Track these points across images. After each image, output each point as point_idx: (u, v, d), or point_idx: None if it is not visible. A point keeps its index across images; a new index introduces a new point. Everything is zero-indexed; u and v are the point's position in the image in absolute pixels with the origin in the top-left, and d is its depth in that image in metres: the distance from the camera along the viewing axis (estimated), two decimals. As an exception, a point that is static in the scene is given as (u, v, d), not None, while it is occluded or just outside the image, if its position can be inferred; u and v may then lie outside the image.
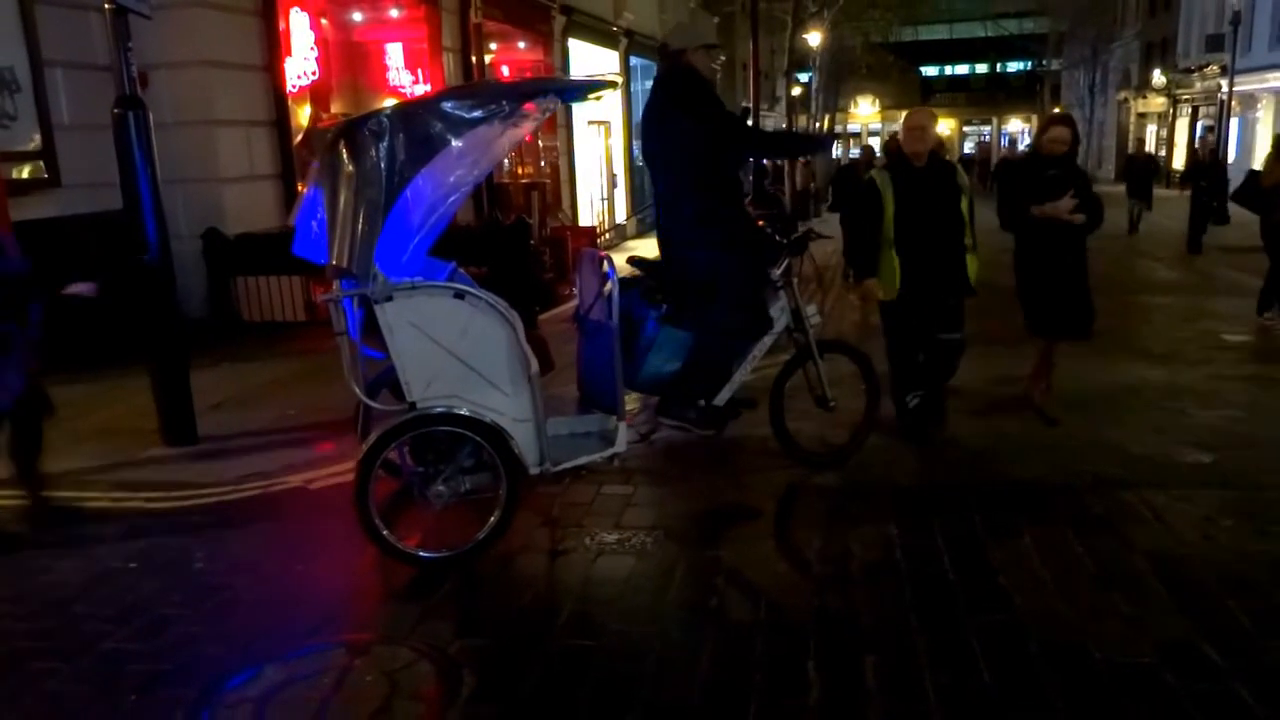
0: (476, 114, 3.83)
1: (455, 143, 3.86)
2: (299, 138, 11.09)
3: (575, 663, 3.29)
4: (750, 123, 18.08)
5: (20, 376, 4.46)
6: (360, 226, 3.72)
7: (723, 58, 5.46)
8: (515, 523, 4.20)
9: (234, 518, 4.75)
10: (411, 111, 3.92)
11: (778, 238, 4.89)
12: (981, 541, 4.18)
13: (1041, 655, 3.25)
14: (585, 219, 18.28)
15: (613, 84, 5.10)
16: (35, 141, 8.85)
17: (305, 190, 4.43)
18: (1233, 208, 15.06)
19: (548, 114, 4.29)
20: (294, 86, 11.17)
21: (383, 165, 3.74)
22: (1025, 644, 3.33)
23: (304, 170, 6.92)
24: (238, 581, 4.01)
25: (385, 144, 3.73)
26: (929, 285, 5.32)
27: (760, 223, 4.97)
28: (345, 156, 3.77)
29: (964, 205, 5.34)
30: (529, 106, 4.06)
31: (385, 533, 4.02)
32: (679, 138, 4.49)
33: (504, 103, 3.91)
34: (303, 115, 11.86)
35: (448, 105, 3.83)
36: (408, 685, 3.18)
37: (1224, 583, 3.73)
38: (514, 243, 9.36)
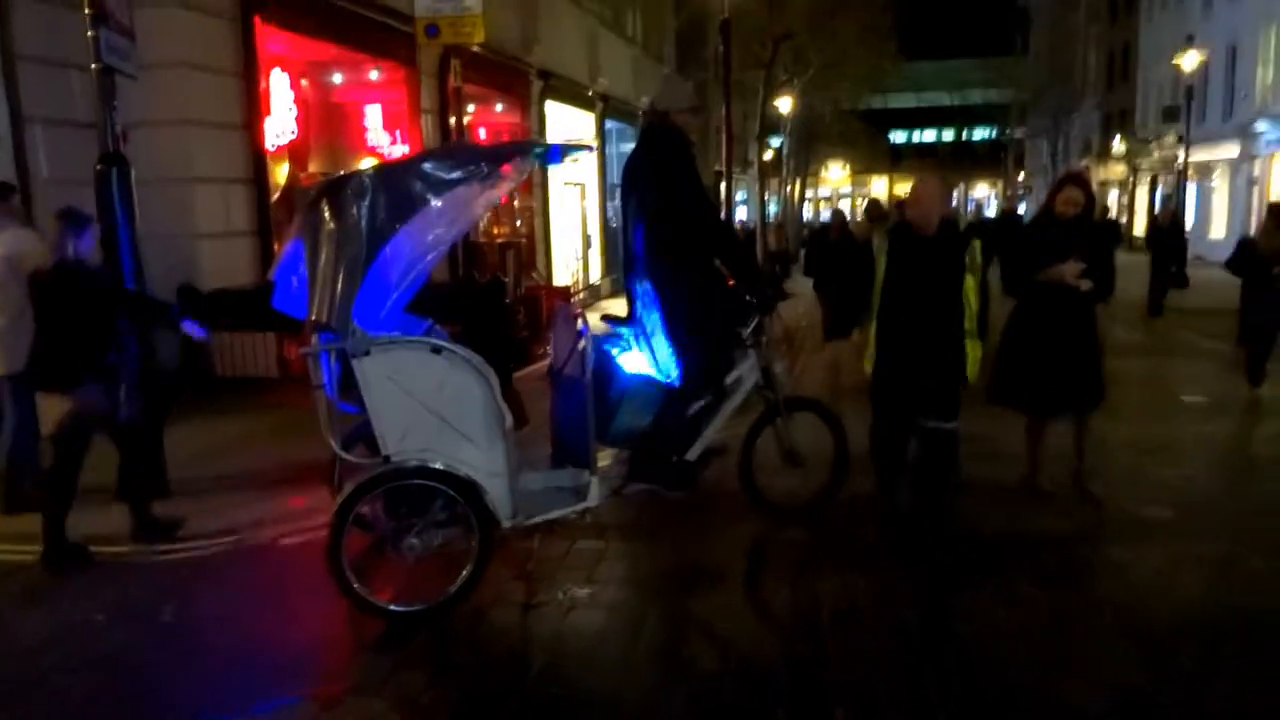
0: (455, 175, 3.96)
1: (434, 202, 3.98)
2: (276, 195, 11.33)
3: (548, 713, 3.33)
4: (725, 188, 18.52)
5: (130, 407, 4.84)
6: (340, 282, 3.82)
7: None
8: (488, 576, 4.24)
9: (205, 572, 4.75)
10: (392, 171, 4.05)
11: (747, 297, 5.03)
12: (943, 592, 4.27)
13: (1000, 701, 3.33)
14: (560, 279, 18.48)
15: (587, 148, 5.27)
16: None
17: (285, 246, 4.53)
18: (1193, 272, 15.48)
19: (524, 175, 4.44)
20: (273, 145, 11.32)
21: (364, 223, 3.84)
22: (985, 691, 3.41)
23: (280, 228, 7.07)
24: (208, 634, 4.01)
25: (366, 202, 3.84)
26: (906, 367, 4.85)
27: (730, 282, 5.12)
28: (327, 214, 3.88)
29: (969, 286, 4.80)
30: (506, 168, 4.20)
31: (357, 586, 4.04)
32: (651, 196, 4.65)
33: (482, 164, 4.05)
34: (281, 174, 12.02)
35: (428, 166, 3.96)
36: (379, 736, 3.20)
37: (1178, 634, 3.84)
38: (489, 301, 9.48)
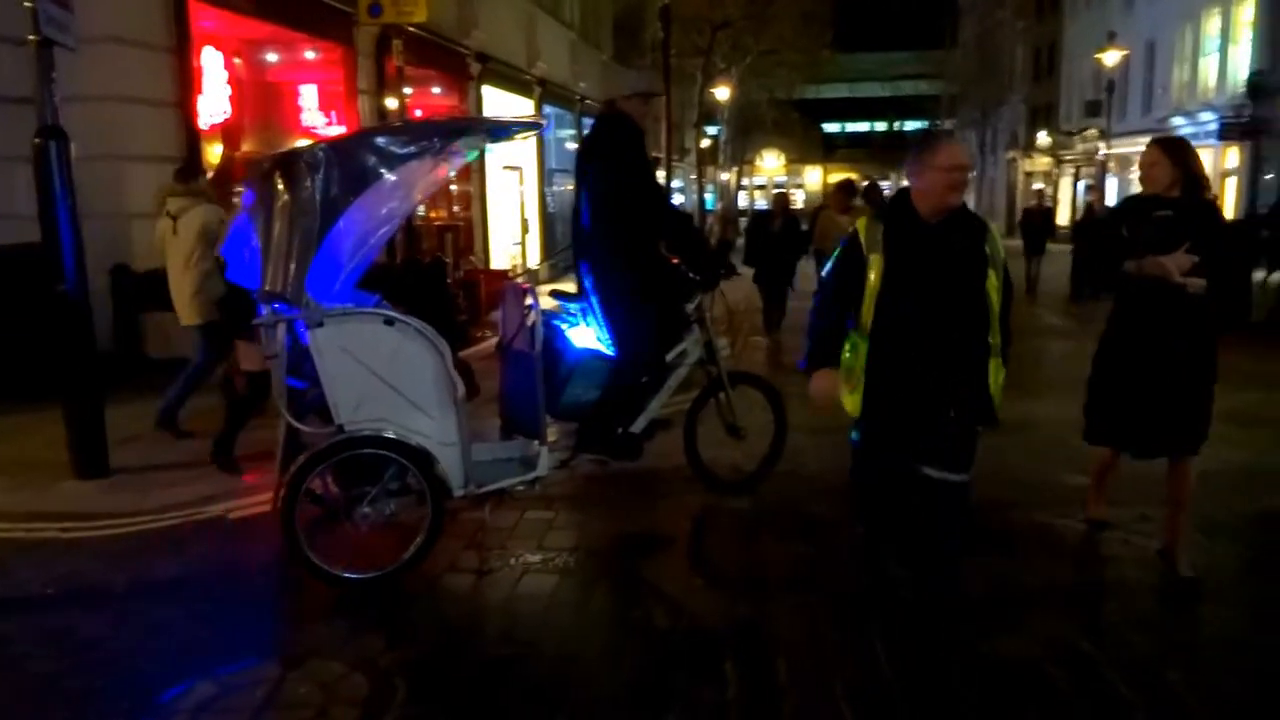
0: (409, 149, 4.03)
1: (388, 176, 4.04)
2: (210, 175, 11.13)
3: (505, 669, 3.44)
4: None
5: None
6: (294, 254, 3.86)
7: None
8: (441, 546, 4.33)
9: (155, 546, 4.75)
10: (346, 145, 4.10)
11: (691, 275, 5.17)
12: (884, 558, 4.46)
13: (942, 657, 3.53)
14: (498, 262, 18.44)
15: (540, 124, 5.36)
16: (-64, 173, 8.64)
17: (231, 221, 4.54)
18: None
19: (477, 152, 4.51)
20: (206, 124, 11.13)
21: (318, 195, 3.89)
22: (926, 647, 3.60)
23: (224, 204, 6.99)
24: (163, 605, 4.03)
25: (320, 175, 3.89)
26: (915, 401, 3.66)
27: (674, 260, 5.25)
28: (281, 186, 3.91)
29: (992, 285, 3.61)
30: (458, 144, 4.27)
31: (310, 554, 4.09)
32: (600, 180, 4.78)
33: (435, 140, 4.12)
34: (214, 153, 11.82)
35: (381, 140, 4.03)
36: (342, 694, 3.28)
37: (1098, 588, 4.10)
38: (431, 282, 9.48)
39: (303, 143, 13.77)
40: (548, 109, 21.56)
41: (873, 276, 3.61)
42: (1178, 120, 27.01)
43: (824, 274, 3.88)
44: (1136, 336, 4.09)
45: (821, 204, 14.93)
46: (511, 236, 20.27)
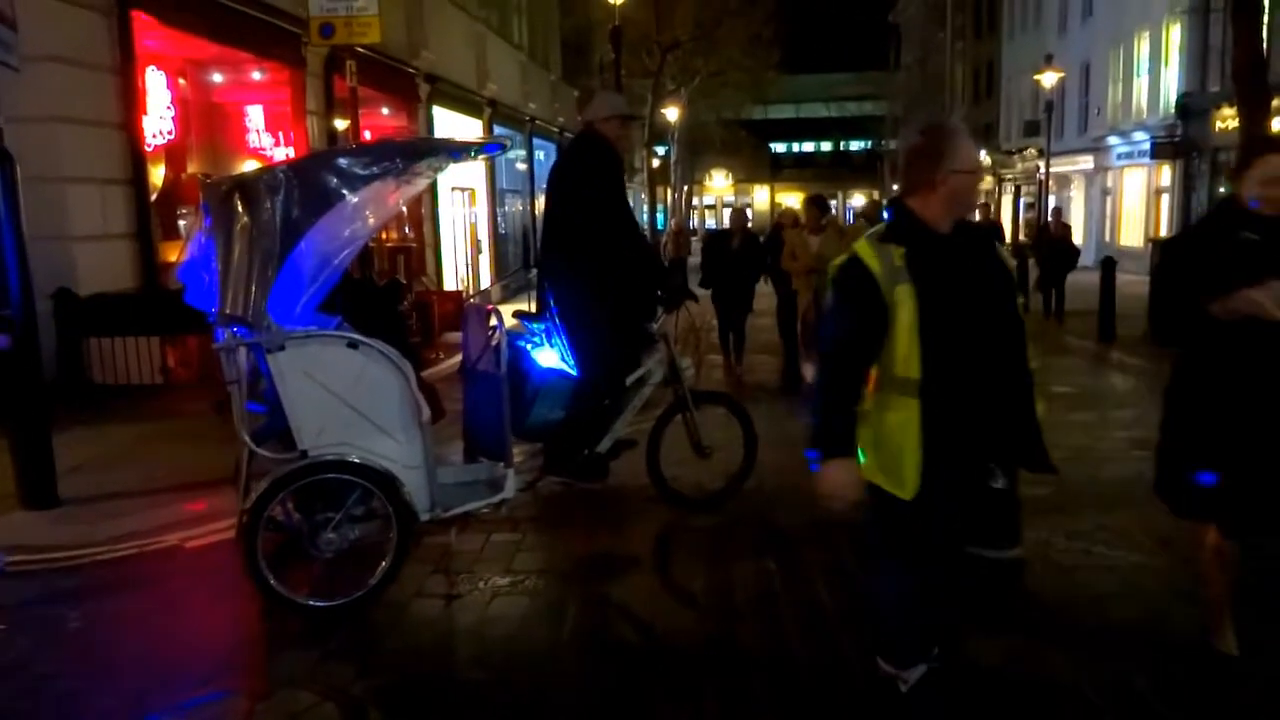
0: (371, 170, 4.00)
1: (350, 197, 4.00)
2: (154, 197, 10.93)
3: (479, 694, 3.40)
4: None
5: None
6: (254, 277, 3.80)
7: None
8: (408, 571, 4.27)
9: (109, 578, 4.62)
10: (307, 166, 4.06)
11: (656, 293, 5.19)
12: (851, 572, 4.50)
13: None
14: (450, 284, 18.33)
15: (503, 144, 5.36)
16: None
17: (189, 244, 4.46)
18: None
19: (439, 173, 4.49)
20: (150, 145, 10.95)
21: (278, 217, 3.84)
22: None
23: (170, 227, 6.88)
24: (121, 638, 3.92)
25: (281, 196, 3.84)
26: (981, 463, 2.86)
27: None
28: (240, 208, 3.85)
29: (1020, 301, 3.01)
30: (420, 165, 4.24)
31: (274, 583, 4.01)
32: (569, 201, 4.79)
33: (398, 160, 4.09)
34: (158, 175, 11.61)
35: (343, 161, 3.99)
36: (312, 725, 3.21)
37: (1059, 593, 4.17)
38: (387, 303, 9.37)
39: (250, 164, 13.68)
40: (498, 129, 21.56)
41: (905, 314, 2.71)
42: (1113, 139, 27.80)
43: (831, 328, 2.90)
44: (1237, 388, 3.19)
45: (779, 221, 14.56)
46: (463, 257, 20.18)
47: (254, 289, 3.79)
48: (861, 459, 2.82)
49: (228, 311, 3.83)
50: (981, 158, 39.42)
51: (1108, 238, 28.35)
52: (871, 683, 3.16)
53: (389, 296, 9.57)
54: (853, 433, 2.80)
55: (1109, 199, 29.18)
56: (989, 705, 3.30)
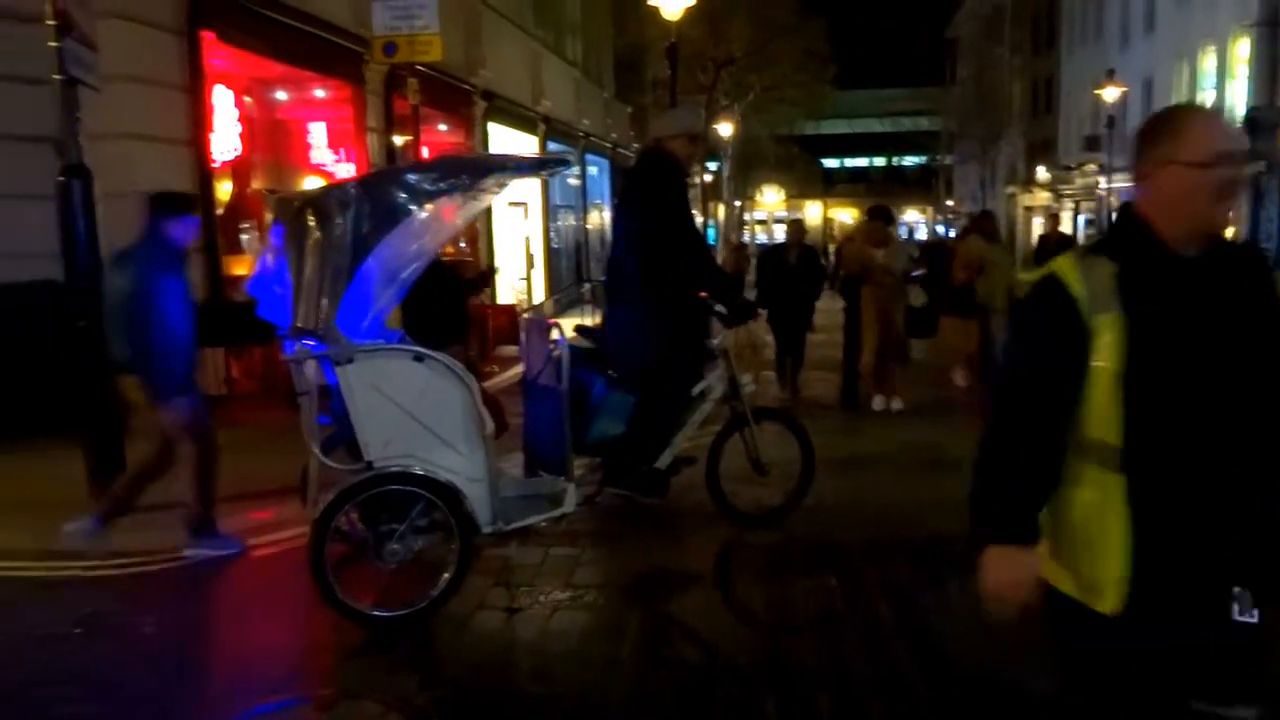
0: (439, 186, 4.06)
1: (418, 213, 4.06)
2: (220, 212, 11.20)
3: (543, 709, 3.40)
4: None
5: None
6: (325, 291, 3.87)
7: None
8: (469, 584, 4.29)
9: (179, 584, 4.72)
10: (377, 182, 4.13)
11: (718, 309, 5.18)
12: (912, 590, 4.45)
13: (975, 685, 3.51)
14: (504, 298, 18.51)
15: (567, 161, 5.41)
16: (-48, 211, 8.69)
17: (259, 260, 4.57)
18: None
19: (504, 188, 4.55)
20: (217, 161, 11.22)
21: (349, 232, 3.91)
22: (960, 678, 3.57)
23: (234, 241, 7.03)
24: (191, 644, 4.01)
25: (351, 212, 3.91)
26: (1219, 579, 1.94)
27: (703, 295, 5.26)
28: (312, 223, 3.93)
29: None
30: (488, 180, 4.30)
31: (339, 593, 4.06)
32: (636, 218, 4.82)
33: (464, 176, 4.15)
34: (224, 190, 11.89)
35: (412, 177, 4.06)
36: (376, 735, 3.24)
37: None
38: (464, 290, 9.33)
39: (312, 180, 13.96)
40: (552, 145, 21.76)
41: (1105, 354, 1.96)
42: (1176, 155, 27.19)
43: (1013, 366, 2.19)
44: None
45: (850, 236, 14.26)
46: (518, 272, 20.36)
47: (324, 303, 3.87)
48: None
49: (299, 325, 3.90)
50: (1040, 173, 38.86)
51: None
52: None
53: (473, 284, 9.46)
54: (1035, 511, 2.04)
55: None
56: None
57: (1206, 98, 26.00)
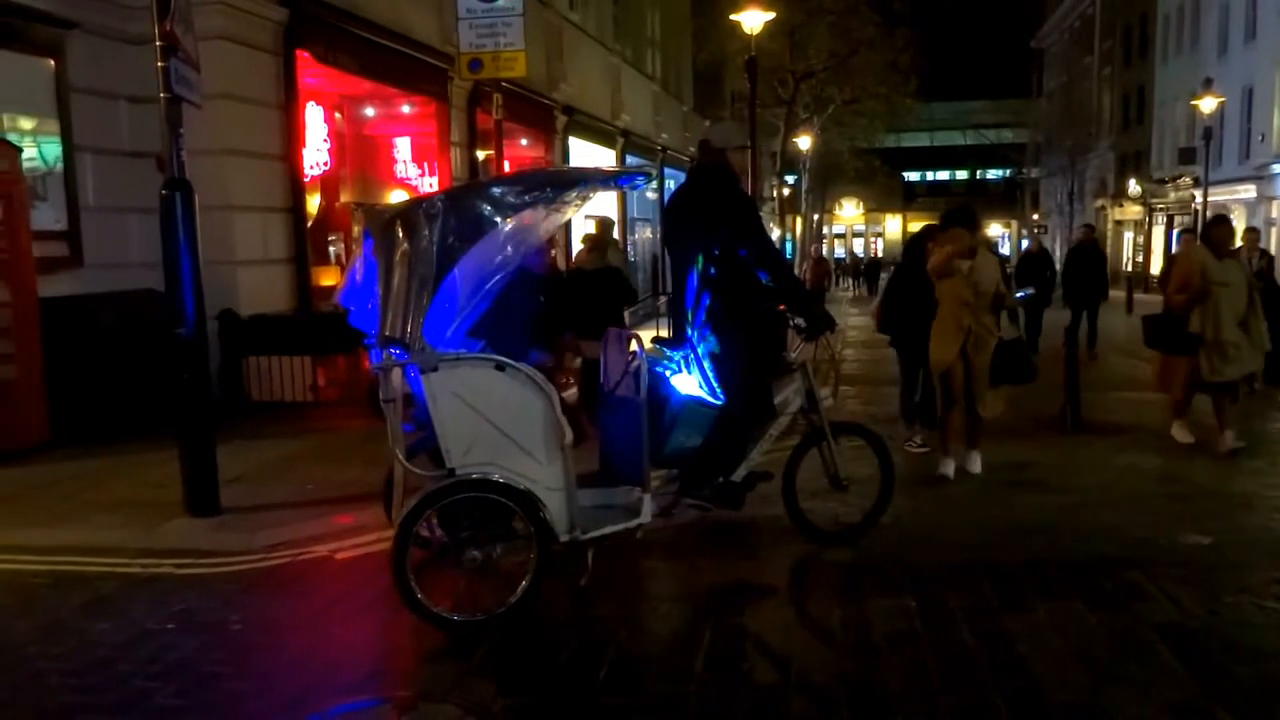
0: (524, 199, 4.13)
1: (502, 225, 4.14)
2: (309, 224, 11.55)
3: (617, 719, 3.41)
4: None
5: None
6: (412, 301, 3.97)
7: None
8: (543, 591, 4.33)
9: (266, 583, 4.86)
10: (463, 194, 4.22)
11: (795, 321, 5.15)
12: (996, 614, 4.34)
13: (1063, 716, 3.40)
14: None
15: (650, 174, 5.44)
16: (62, 222, 9.14)
17: (349, 270, 4.69)
18: None
19: (588, 201, 4.60)
20: (308, 176, 11.59)
21: (435, 244, 4.00)
22: (1046, 706, 3.47)
23: (322, 252, 7.21)
24: (277, 642, 4.11)
25: (438, 224, 4.00)
26: None
27: (781, 307, 5.23)
28: (400, 235, 4.03)
29: None
30: (571, 193, 4.36)
31: (420, 596, 4.13)
32: (710, 227, 4.82)
33: (548, 189, 4.21)
34: (314, 204, 12.27)
35: (497, 190, 4.14)
36: (454, 739, 3.29)
37: (1229, 652, 3.90)
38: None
39: (398, 193, 14.29)
40: (630, 158, 21.91)
41: None
42: (1278, 168, 26.15)
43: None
44: None
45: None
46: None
47: (411, 313, 3.96)
48: None
49: (386, 333, 4.00)
50: (1131, 186, 37.72)
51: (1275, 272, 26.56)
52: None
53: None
54: None
55: (1274, 230, 27.40)
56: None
57: (1311, 108, 24.95)
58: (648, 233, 24.99)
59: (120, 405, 8.33)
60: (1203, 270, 7.27)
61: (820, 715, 3.44)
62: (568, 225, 13.15)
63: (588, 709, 3.49)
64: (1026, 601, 4.46)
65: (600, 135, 20.26)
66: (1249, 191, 28.49)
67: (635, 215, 23.65)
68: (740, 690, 3.62)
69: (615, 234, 21.59)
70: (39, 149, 8.98)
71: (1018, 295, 7.10)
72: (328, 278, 12.17)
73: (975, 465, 6.80)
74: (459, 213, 4.08)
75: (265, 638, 4.16)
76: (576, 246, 11.76)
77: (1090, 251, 14.30)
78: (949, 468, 6.70)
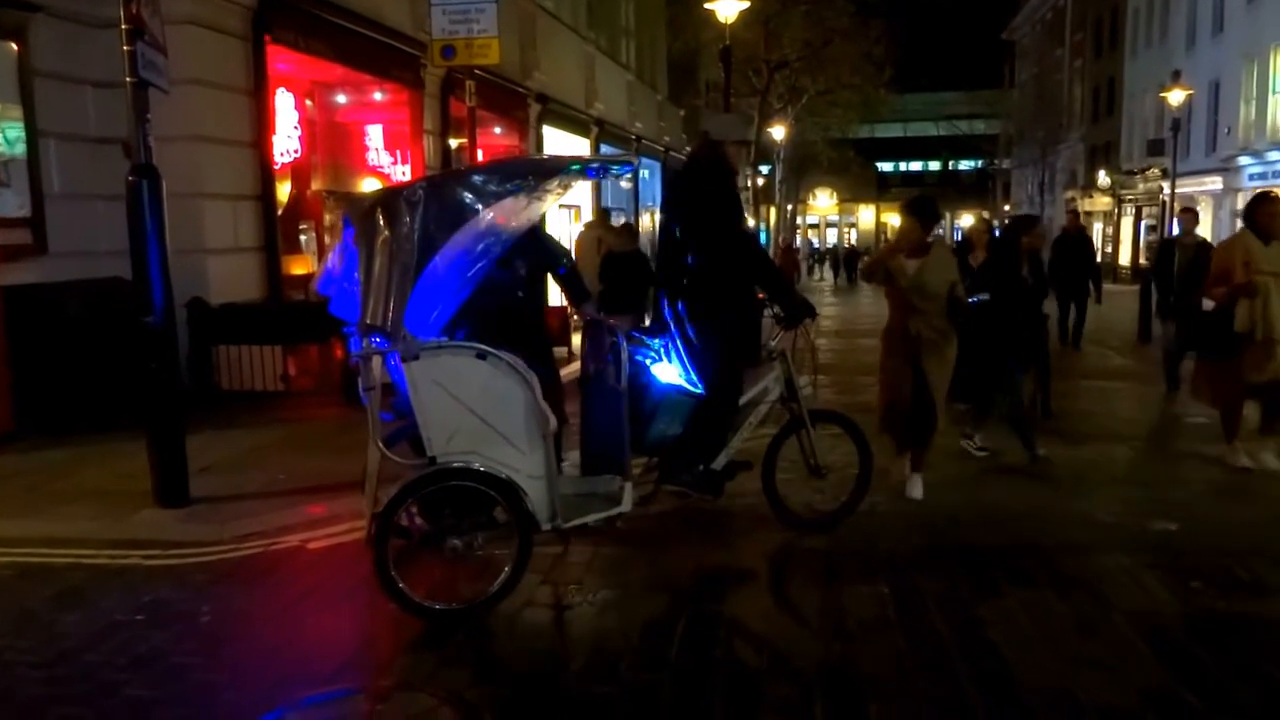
0: (505, 186, 4.11)
1: (484, 213, 4.11)
2: (280, 213, 11.41)
3: (592, 707, 3.42)
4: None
5: None
6: (393, 289, 3.93)
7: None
8: (521, 579, 4.31)
9: (237, 574, 4.81)
10: (444, 182, 4.19)
11: (774, 310, 5.16)
12: (968, 600, 4.38)
13: (1034, 700, 3.44)
14: (554, 300, 18.60)
15: (631, 163, 5.43)
16: (25, 209, 8.97)
17: (328, 258, 4.65)
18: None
19: (569, 189, 4.58)
20: (278, 163, 11.45)
21: (416, 231, 3.96)
22: (1017, 691, 3.51)
23: (293, 241, 7.14)
24: (249, 633, 4.08)
25: (420, 212, 3.97)
26: None
27: (761, 295, 5.24)
28: (382, 222, 3.99)
29: None
30: (552, 182, 4.34)
31: (401, 586, 4.10)
32: (693, 216, 4.82)
33: (530, 177, 4.19)
34: (284, 191, 12.13)
35: (477, 178, 4.11)
36: (431, 728, 3.27)
37: (1196, 636, 3.97)
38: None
39: (370, 182, 14.16)
40: (604, 148, 21.84)
41: None
42: (1245, 160, 26.51)
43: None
44: None
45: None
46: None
47: (393, 300, 3.92)
48: None
49: (368, 321, 3.97)
50: (1100, 178, 38.12)
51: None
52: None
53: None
54: None
55: (1239, 222, 27.79)
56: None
57: (1277, 100, 25.30)
58: (623, 223, 24.92)
59: (88, 395, 8.20)
60: (1246, 258, 6.21)
61: (795, 701, 3.45)
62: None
63: (561, 698, 3.49)
64: (998, 588, 4.51)
65: (575, 124, 20.16)
66: (1215, 183, 28.87)
67: (610, 205, 23.59)
68: (715, 677, 3.64)
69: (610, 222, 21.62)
70: (1, 134, 8.80)
71: (970, 300, 6.02)
72: (299, 266, 12.04)
73: (917, 490, 5.96)
74: (440, 200, 4.05)
75: (237, 628, 4.12)
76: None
77: (1077, 240, 13.80)
78: (917, 488, 5.97)
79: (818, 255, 48.40)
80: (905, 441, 5.98)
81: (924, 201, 6.21)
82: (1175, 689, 3.51)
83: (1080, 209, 40.68)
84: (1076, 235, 13.83)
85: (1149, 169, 32.33)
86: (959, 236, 56.35)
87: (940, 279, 5.74)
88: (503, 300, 5.38)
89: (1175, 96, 24.87)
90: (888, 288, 5.93)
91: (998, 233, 9.72)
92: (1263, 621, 4.19)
